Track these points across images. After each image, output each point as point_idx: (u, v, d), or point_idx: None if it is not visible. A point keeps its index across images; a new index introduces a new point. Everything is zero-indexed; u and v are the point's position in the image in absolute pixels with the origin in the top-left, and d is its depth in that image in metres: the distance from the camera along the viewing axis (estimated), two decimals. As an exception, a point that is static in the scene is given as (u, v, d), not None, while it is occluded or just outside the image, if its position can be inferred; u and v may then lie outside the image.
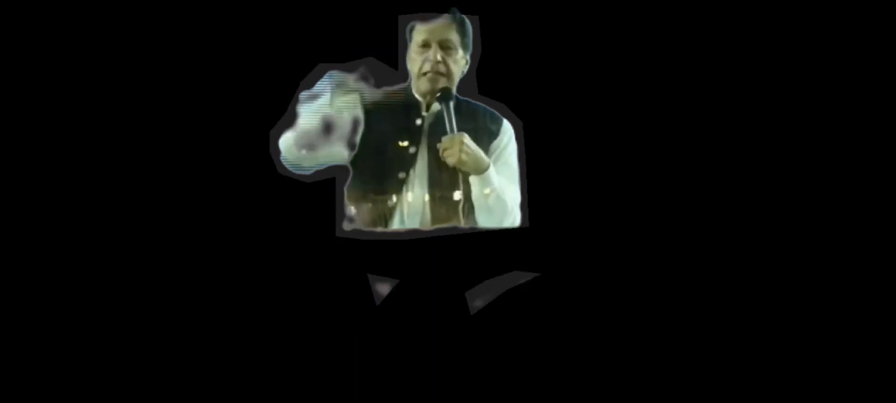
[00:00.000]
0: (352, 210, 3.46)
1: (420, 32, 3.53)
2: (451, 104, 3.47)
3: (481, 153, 3.47)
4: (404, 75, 3.59)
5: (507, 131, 3.58)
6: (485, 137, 3.55)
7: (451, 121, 3.45)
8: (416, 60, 3.53)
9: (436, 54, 3.50)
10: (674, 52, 3.51)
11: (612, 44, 3.53)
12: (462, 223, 3.43)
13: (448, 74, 3.52)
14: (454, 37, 3.53)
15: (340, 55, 3.54)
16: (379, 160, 3.55)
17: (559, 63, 3.56)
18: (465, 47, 3.54)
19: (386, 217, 3.51)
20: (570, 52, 3.55)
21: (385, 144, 3.56)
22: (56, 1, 3.45)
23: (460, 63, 3.55)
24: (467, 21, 3.54)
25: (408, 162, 3.54)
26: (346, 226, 3.43)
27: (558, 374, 3.37)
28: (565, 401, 3.36)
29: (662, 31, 3.52)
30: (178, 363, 3.39)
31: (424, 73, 3.51)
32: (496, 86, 3.56)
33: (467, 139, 3.44)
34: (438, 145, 3.47)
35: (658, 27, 3.52)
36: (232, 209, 3.47)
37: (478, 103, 3.60)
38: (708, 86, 3.49)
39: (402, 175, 3.54)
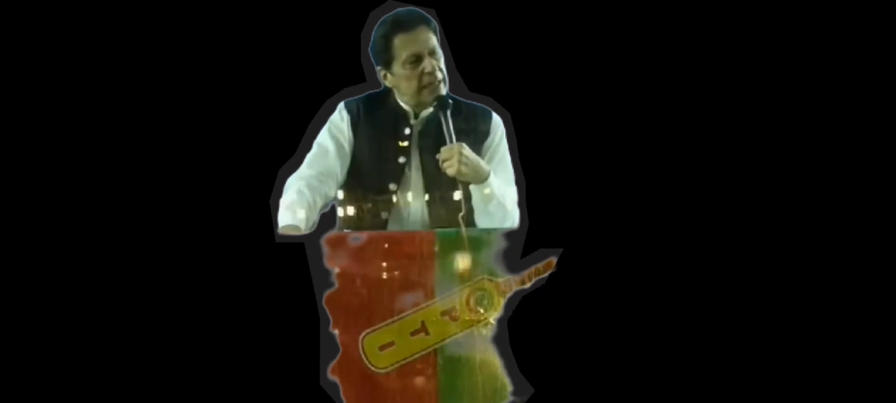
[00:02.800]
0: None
1: (407, 47, 3.45)
2: (448, 112, 3.41)
3: (480, 162, 3.41)
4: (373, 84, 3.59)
5: (498, 127, 3.57)
6: (479, 137, 3.53)
7: (449, 130, 3.37)
8: (412, 75, 3.46)
9: (432, 65, 3.44)
10: (661, 43, 3.52)
11: (596, 33, 3.53)
12: (462, 227, 3.38)
13: (445, 80, 3.48)
14: (435, 40, 3.49)
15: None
16: (371, 175, 3.53)
17: (542, 53, 3.55)
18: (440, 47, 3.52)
19: (385, 220, 3.50)
20: (550, 42, 3.54)
21: (376, 158, 3.54)
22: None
23: (443, 63, 3.51)
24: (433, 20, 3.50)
25: (400, 172, 3.52)
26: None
27: (558, 373, 3.38)
28: (565, 401, 3.37)
29: (649, 22, 3.53)
30: (177, 368, 3.37)
31: (426, 86, 3.45)
32: (481, 79, 3.56)
33: (466, 149, 3.36)
34: (437, 156, 3.40)
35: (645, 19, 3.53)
36: (231, 211, 3.45)
37: (472, 102, 3.59)
38: (700, 79, 3.50)
39: (393, 186, 3.51)
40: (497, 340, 3.21)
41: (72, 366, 3.35)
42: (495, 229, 3.35)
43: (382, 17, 3.52)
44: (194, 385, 3.35)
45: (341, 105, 3.58)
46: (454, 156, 3.34)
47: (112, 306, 3.36)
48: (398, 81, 3.51)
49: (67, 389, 3.34)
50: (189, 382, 3.35)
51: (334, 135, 3.54)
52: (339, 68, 3.72)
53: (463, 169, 3.34)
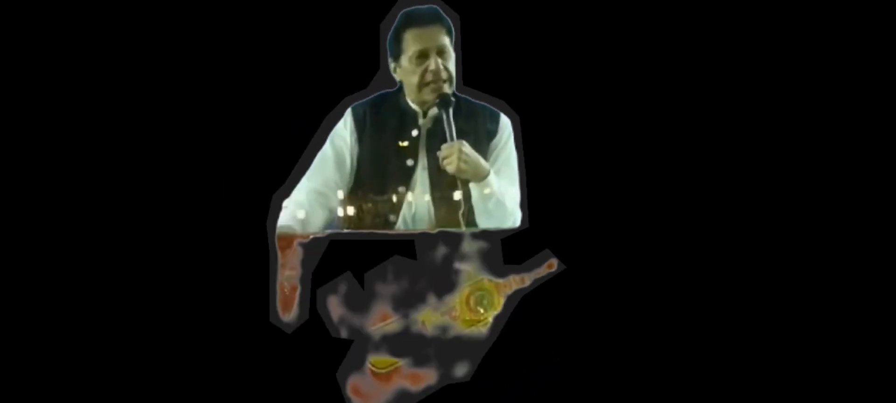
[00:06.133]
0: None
1: (415, 42, 3.48)
2: (451, 110, 3.42)
3: (481, 160, 3.42)
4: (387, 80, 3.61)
5: (505, 128, 3.57)
6: (484, 137, 3.53)
7: (451, 128, 3.39)
8: (416, 72, 3.47)
9: (436, 63, 3.47)
10: (664, 47, 3.51)
11: (604, 38, 3.52)
12: (462, 227, 3.39)
13: (450, 80, 3.49)
14: (447, 40, 3.50)
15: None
16: (379, 176, 3.54)
17: (555, 55, 3.54)
18: (454, 48, 3.52)
19: (393, 222, 3.51)
20: (564, 44, 3.54)
21: (383, 159, 3.56)
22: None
23: (454, 64, 3.52)
24: (450, 21, 3.51)
25: (408, 173, 3.53)
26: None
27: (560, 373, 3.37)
28: (565, 400, 3.36)
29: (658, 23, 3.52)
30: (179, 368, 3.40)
31: (427, 84, 3.47)
32: (491, 80, 3.56)
33: (466, 147, 3.38)
34: (438, 153, 3.42)
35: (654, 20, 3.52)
36: (236, 211, 3.47)
37: (477, 101, 3.59)
38: (706, 80, 3.48)
39: (402, 189, 3.53)
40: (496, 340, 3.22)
41: (72, 367, 3.39)
42: (496, 229, 3.34)
43: (401, 11, 3.54)
44: (197, 385, 3.37)
45: (348, 111, 3.61)
46: (454, 153, 3.36)
47: (112, 306, 3.39)
48: (405, 76, 3.54)
49: (67, 390, 3.37)
50: (192, 382, 3.38)
51: (336, 144, 3.57)
52: (350, 70, 3.73)
53: (462, 166, 3.37)
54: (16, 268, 3.38)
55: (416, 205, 3.53)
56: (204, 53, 3.48)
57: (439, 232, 3.28)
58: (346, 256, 3.27)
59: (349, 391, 3.21)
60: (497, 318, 3.23)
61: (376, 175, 3.56)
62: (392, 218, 3.53)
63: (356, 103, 3.63)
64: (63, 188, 3.41)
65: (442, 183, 3.48)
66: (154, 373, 3.38)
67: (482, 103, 3.60)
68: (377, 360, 3.24)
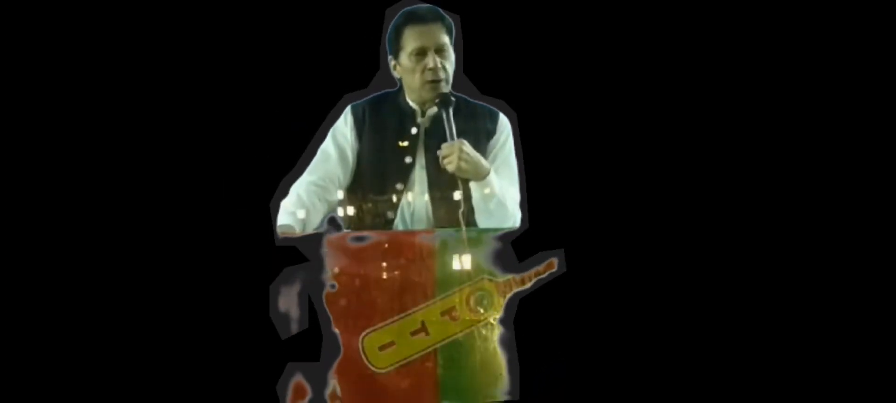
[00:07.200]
0: None
1: (414, 39, 3.47)
2: (451, 109, 3.41)
3: (481, 159, 3.41)
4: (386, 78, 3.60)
5: (504, 128, 3.56)
6: (483, 137, 3.53)
7: (451, 127, 3.37)
8: (415, 69, 3.47)
9: (435, 61, 3.47)
10: (663, 47, 3.50)
11: (603, 37, 3.52)
12: (462, 227, 3.38)
13: (447, 79, 3.49)
14: (446, 39, 3.50)
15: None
16: (378, 175, 3.54)
17: (554, 55, 3.54)
18: (453, 47, 3.52)
19: (391, 220, 3.51)
20: (563, 44, 3.53)
21: (382, 157, 3.55)
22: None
23: (453, 63, 3.52)
24: (451, 21, 3.52)
25: (406, 172, 3.53)
26: None
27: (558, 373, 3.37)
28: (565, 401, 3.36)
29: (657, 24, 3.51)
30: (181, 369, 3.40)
31: (426, 82, 3.46)
32: (491, 80, 3.55)
33: (466, 146, 3.36)
34: (438, 152, 3.40)
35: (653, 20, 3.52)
36: (235, 212, 3.47)
37: (476, 101, 3.59)
38: (704, 80, 3.48)
39: (400, 186, 3.53)
40: (497, 340, 3.20)
41: (68, 367, 3.39)
42: (496, 229, 3.33)
43: (402, 9, 3.55)
44: (198, 386, 3.37)
45: (347, 109, 3.61)
46: (454, 152, 3.35)
47: (112, 305, 3.40)
48: (404, 73, 3.54)
49: (68, 389, 3.37)
50: (193, 383, 3.38)
51: (337, 140, 3.57)
52: (349, 71, 3.73)
53: (462, 165, 3.35)
54: (17, 268, 3.38)
55: (414, 205, 3.53)
56: (205, 54, 3.48)
57: (439, 232, 3.28)
58: (344, 255, 3.27)
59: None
60: (497, 319, 3.23)
61: (375, 173, 3.55)
62: (390, 216, 3.52)
63: (355, 102, 3.63)
64: (64, 188, 3.41)
65: (441, 182, 3.47)
66: (154, 372, 3.38)
67: (481, 103, 3.60)
68: (376, 359, 3.24)
